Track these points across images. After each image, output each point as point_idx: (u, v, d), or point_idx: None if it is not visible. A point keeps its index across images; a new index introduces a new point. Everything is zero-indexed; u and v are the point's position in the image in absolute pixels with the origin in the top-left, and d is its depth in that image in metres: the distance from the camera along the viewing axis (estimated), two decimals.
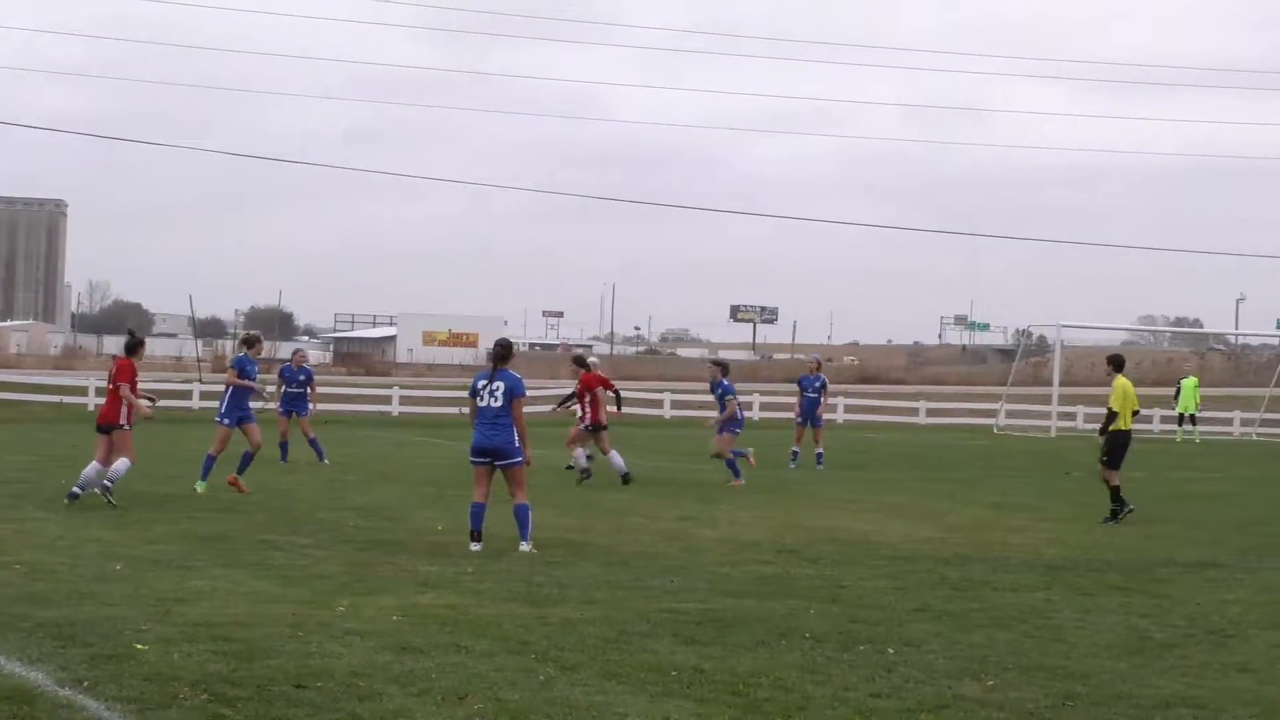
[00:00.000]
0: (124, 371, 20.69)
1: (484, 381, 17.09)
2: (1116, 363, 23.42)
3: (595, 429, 26.77)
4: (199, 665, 10.24)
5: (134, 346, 21.28)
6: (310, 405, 30.50)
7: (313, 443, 29.70)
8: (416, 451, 35.46)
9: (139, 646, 10.75)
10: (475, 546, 16.80)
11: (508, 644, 11.41)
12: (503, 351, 17.30)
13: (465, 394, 19.50)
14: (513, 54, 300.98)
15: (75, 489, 20.25)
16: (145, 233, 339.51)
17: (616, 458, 26.61)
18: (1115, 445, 22.70)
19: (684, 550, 17.54)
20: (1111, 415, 22.78)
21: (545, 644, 11.44)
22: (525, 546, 16.77)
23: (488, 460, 17.03)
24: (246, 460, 23.03)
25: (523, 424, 17.15)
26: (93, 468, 20.39)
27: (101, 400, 22.75)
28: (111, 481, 20.02)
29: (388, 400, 55.21)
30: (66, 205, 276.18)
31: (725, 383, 28.33)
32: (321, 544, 17.11)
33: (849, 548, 18.22)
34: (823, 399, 33.50)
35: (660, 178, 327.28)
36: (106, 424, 20.57)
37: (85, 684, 9.62)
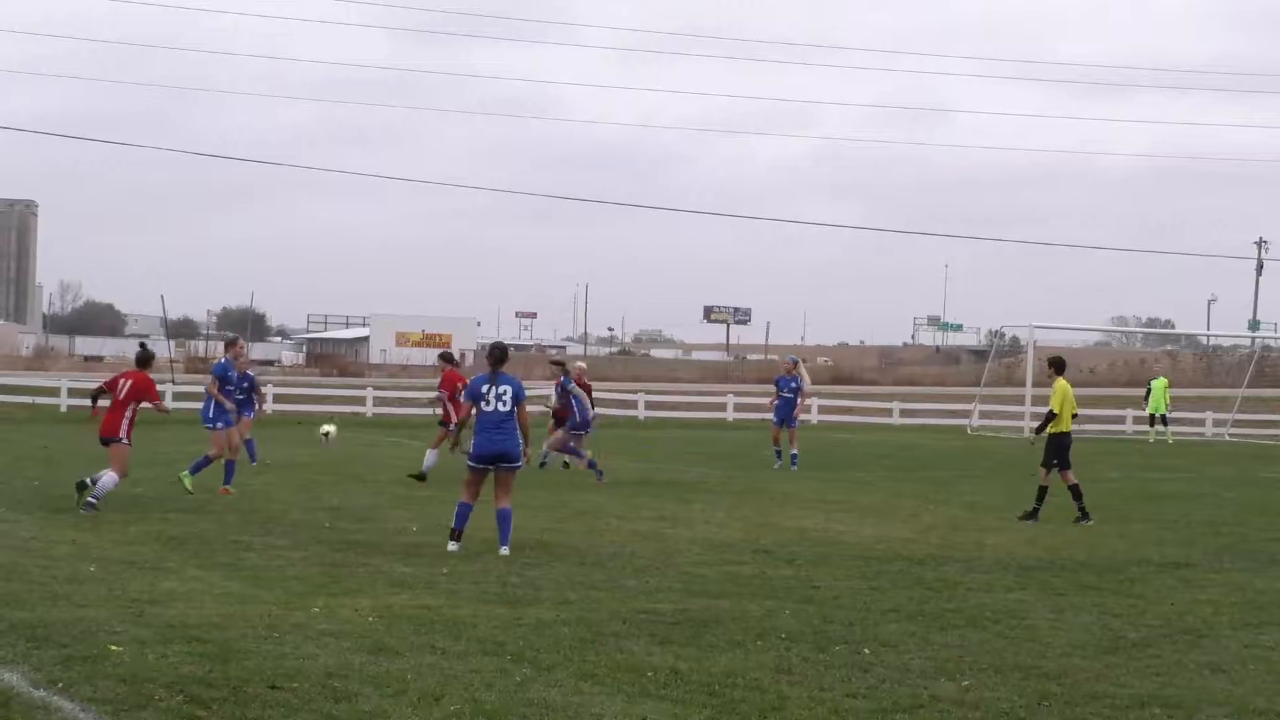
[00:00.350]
0: (147, 389, 20.64)
1: (487, 386, 16.88)
2: (1058, 365, 23.65)
3: (447, 426, 27.12)
4: (174, 666, 10.22)
5: (147, 359, 21.29)
6: (255, 408, 29.64)
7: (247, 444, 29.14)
8: (390, 452, 35.38)
9: (113, 648, 10.73)
10: (454, 546, 16.75)
11: (483, 645, 11.41)
12: (502, 355, 17.16)
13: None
14: (481, 54, 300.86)
15: (90, 480, 20.13)
16: (116, 233, 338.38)
17: (434, 458, 26.83)
18: (1059, 447, 22.90)
19: (659, 551, 17.55)
20: (1050, 416, 22.98)
21: (521, 645, 11.44)
22: (505, 550, 16.64)
23: (490, 466, 16.91)
24: (230, 467, 23.06)
25: (528, 426, 17.13)
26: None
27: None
28: (97, 498, 19.86)
29: (361, 401, 55.13)
30: (37, 205, 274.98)
31: (565, 379, 28.51)
32: (296, 545, 17.08)
33: (823, 548, 18.24)
34: (799, 400, 33.51)
35: (631, 178, 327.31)
36: (108, 437, 20.43)
37: (60, 685, 9.59)
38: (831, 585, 15.13)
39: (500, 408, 16.80)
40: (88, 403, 22.30)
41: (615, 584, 14.79)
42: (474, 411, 16.96)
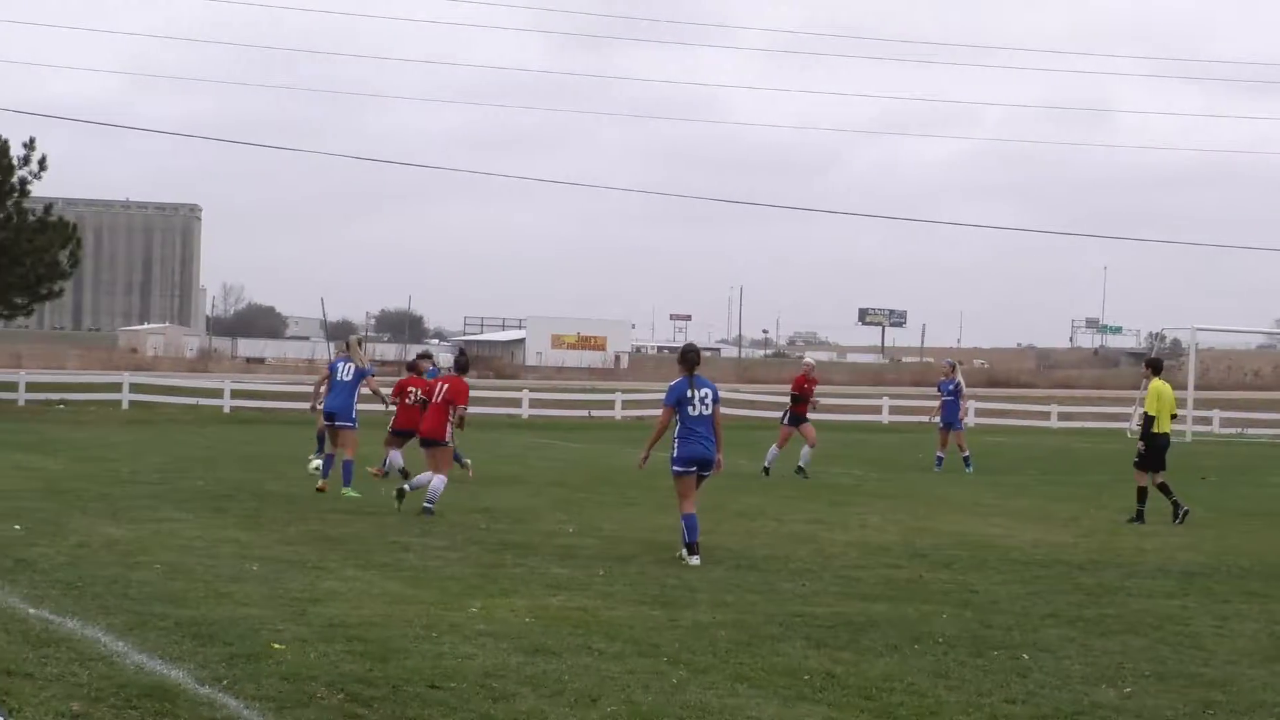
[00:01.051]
0: (462, 393, 21.26)
1: (689, 390, 16.63)
2: (1155, 366, 23.67)
3: (401, 434, 25.75)
4: (334, 665, 10.34)
5: (465, 366, 22.03)
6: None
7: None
8: (545, 454, 35.59)
9: (276, 646, 10.88)
10: (696, 560, 16.25)
11: (639, 646, 11.42)
12: (696, 358, 16.99)
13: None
14: (633, 56, 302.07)
15: (408, 486, 20.82)
16: (277, 236, 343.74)
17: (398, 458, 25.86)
18: (1154, 448, 22.71)
19: (814, 553, 17.49)
20: (1149, 419, 22.79)
21: (676, 647, 11.44)
22: (690, 557, 16.32)
23: (696, 470, 16.65)
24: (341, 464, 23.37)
25: (721, 429, 16.93)
26: (427, 476, 20.90)
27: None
28: (432, 502, 20.50)
29: (517, 403, 55.45)
30: (201, 210, 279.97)
31: (432, 371, 27.92)
32: (452, 546, 17.21)
33: (980, 552, 18.07)
34: (960, 402, 33.33)
35: (786, 179, 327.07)
36: (433, 439, 21.02)
37: (224, 682, 9.74)
38: (989, 590, 14.99)
39: (704, 411, 16.58)
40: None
41: (771, 587, 14.76)
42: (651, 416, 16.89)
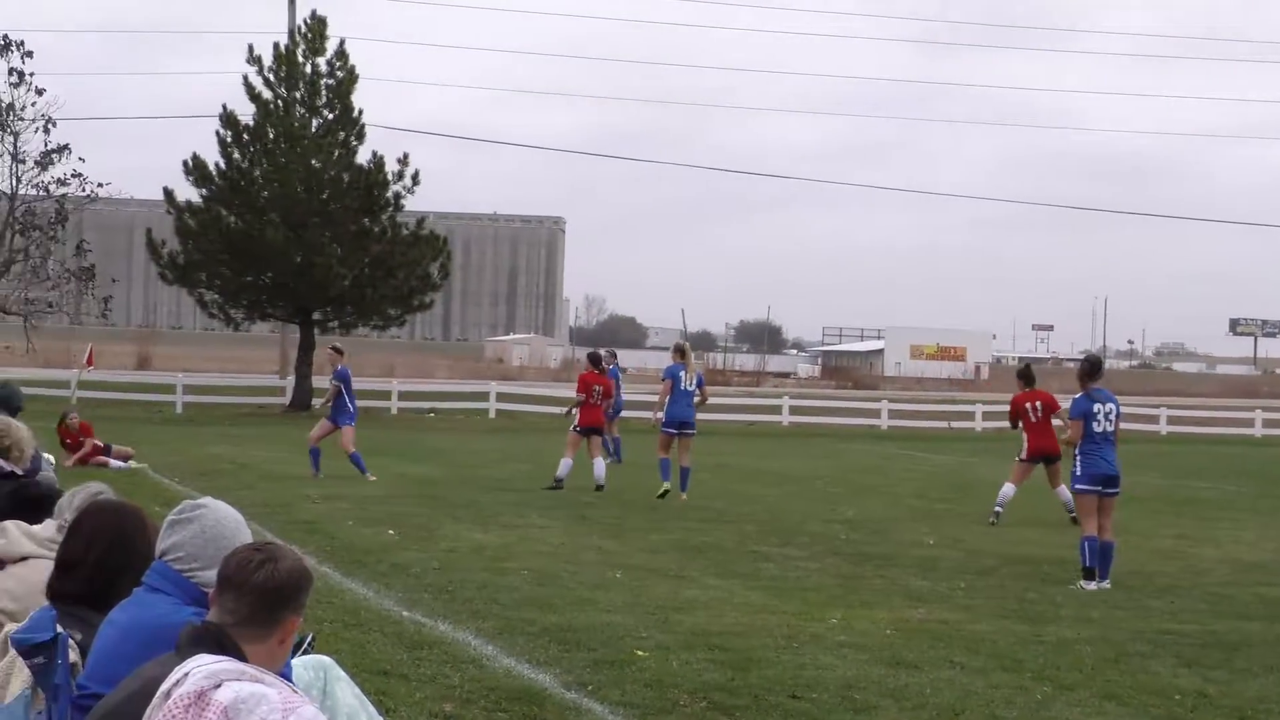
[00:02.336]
0: (1051, 401, 22.04)
1: (1099, 405, 15.89)
2: None
3: (588, 432, 24.92)
4: (697, 673, 10.44)
5: (1032, 376, 22.56)
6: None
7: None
8: (903, 465, 35.32)
9: (639, 653, 11.03)
10: (1093, 585, 15.35)
11: (1001, 661, 11.27)
12: (1102, 369, 16.44)
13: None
14: (995, 64, 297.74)
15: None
16: (637, 247, 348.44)
17: (600, 465, 25.00)
18: None
19: (1182, 570, 17.00)
20: None
21: (1040, 662, 11.26)
22: (1106, 584, 15.44)
23: (1103, 489, 15.80)
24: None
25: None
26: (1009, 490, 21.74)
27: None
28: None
29: (876, 414, 55.14)
30: (565, 222, 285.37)
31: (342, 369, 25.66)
32: (812, 556, 17.20)
33: None
34: None
35: (1152, 187, 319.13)
36: (1053, 455, 21.63)
37: (589, 688, 9.92)
38: None
39: (1108, 427, 15.87)
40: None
41: (1137, 603, 14.41)
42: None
